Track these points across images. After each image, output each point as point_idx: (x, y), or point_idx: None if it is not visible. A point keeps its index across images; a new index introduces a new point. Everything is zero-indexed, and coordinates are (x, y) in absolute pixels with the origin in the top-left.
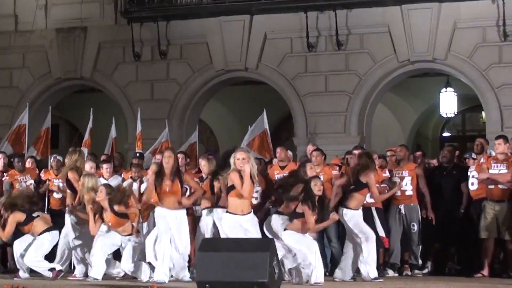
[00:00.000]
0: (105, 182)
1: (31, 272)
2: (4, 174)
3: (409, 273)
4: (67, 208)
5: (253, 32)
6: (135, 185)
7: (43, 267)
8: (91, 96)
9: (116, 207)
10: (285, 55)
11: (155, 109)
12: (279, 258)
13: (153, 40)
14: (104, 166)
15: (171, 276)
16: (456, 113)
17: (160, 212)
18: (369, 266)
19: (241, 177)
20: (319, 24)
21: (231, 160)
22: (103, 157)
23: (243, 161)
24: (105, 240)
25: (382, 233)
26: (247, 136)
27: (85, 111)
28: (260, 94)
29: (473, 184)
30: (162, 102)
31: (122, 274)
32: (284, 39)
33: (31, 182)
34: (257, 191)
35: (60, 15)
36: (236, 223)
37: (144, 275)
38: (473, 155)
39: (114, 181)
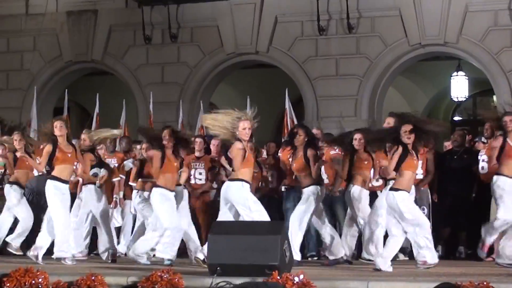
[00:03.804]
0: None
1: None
2: None
3: None
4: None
5: (264, 15)
6: None
7: None
8: (101, 79)
9: None
10: (296, 38)
11: (166, 92)
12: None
13: (163, 23)
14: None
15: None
16: (467, 97)
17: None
18: None
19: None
20: (330, 7)
21: None
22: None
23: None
24: None
25: None
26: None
27: (95, 94)
28: (270, 77)
29: (483, 168)
30: (172, 85)
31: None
32: (295, 23)
33: None
34: (272, 175)
35: None
36: None
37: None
38: (483, 139)
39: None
